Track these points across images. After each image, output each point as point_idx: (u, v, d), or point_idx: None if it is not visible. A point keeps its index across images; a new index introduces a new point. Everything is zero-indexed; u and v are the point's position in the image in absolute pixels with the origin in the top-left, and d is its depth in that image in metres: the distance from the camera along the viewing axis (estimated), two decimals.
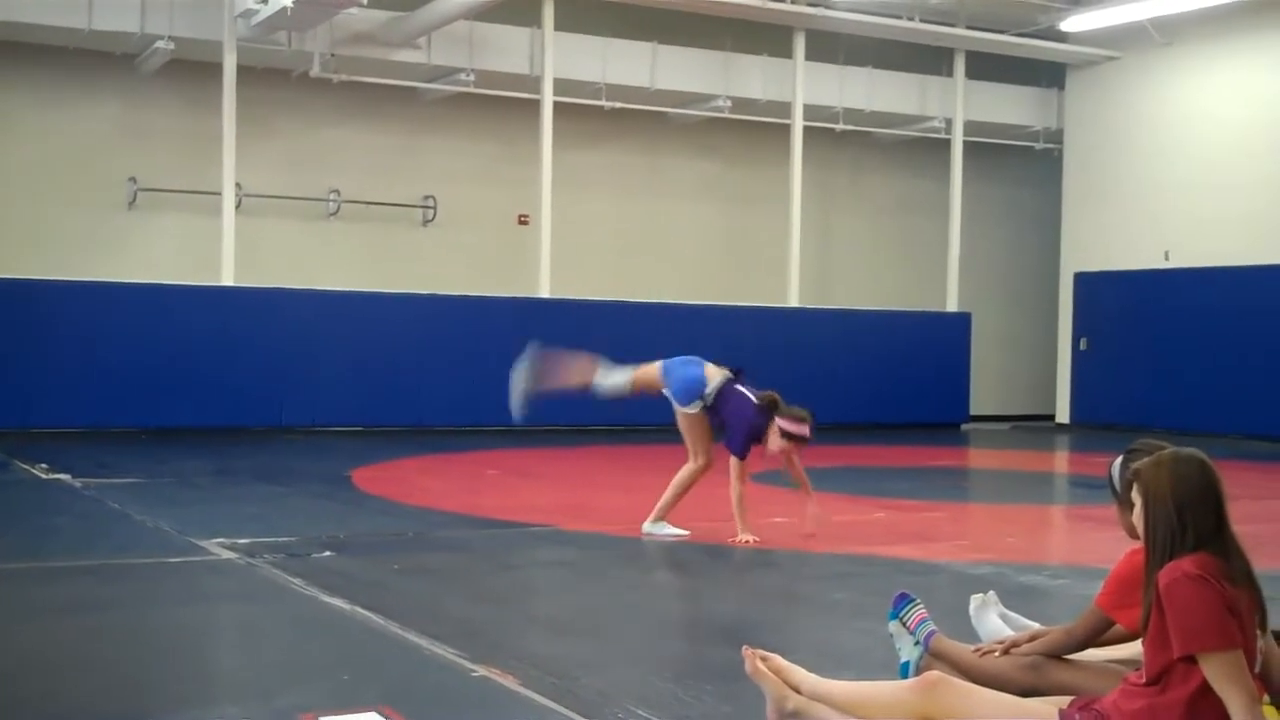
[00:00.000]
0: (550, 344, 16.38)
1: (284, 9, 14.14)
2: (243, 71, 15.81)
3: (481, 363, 16.29)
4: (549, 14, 16.96)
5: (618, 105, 18.30)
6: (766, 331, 18.07)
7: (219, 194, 15.72)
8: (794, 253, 18.62)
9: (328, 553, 7.29)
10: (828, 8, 17.97)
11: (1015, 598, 5.33)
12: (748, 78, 18.77)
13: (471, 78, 17.09)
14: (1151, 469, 3.49)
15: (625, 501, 10.15)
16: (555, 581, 7.36)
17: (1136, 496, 3.54)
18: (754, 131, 19.53)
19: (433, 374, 16.23)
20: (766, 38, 18.70)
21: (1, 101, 16.05)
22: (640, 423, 16.78)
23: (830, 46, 19.08)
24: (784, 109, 18.84)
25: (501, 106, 17.86)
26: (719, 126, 19.46)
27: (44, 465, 11.11)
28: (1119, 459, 3.99)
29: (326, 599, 6.04)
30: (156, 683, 4.69)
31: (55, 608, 5.95)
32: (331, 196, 17.68)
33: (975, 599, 4.90)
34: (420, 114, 18.06)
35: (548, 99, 17.02)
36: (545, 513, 9.38)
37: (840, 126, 19.74)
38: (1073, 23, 18.71)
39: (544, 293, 16.94)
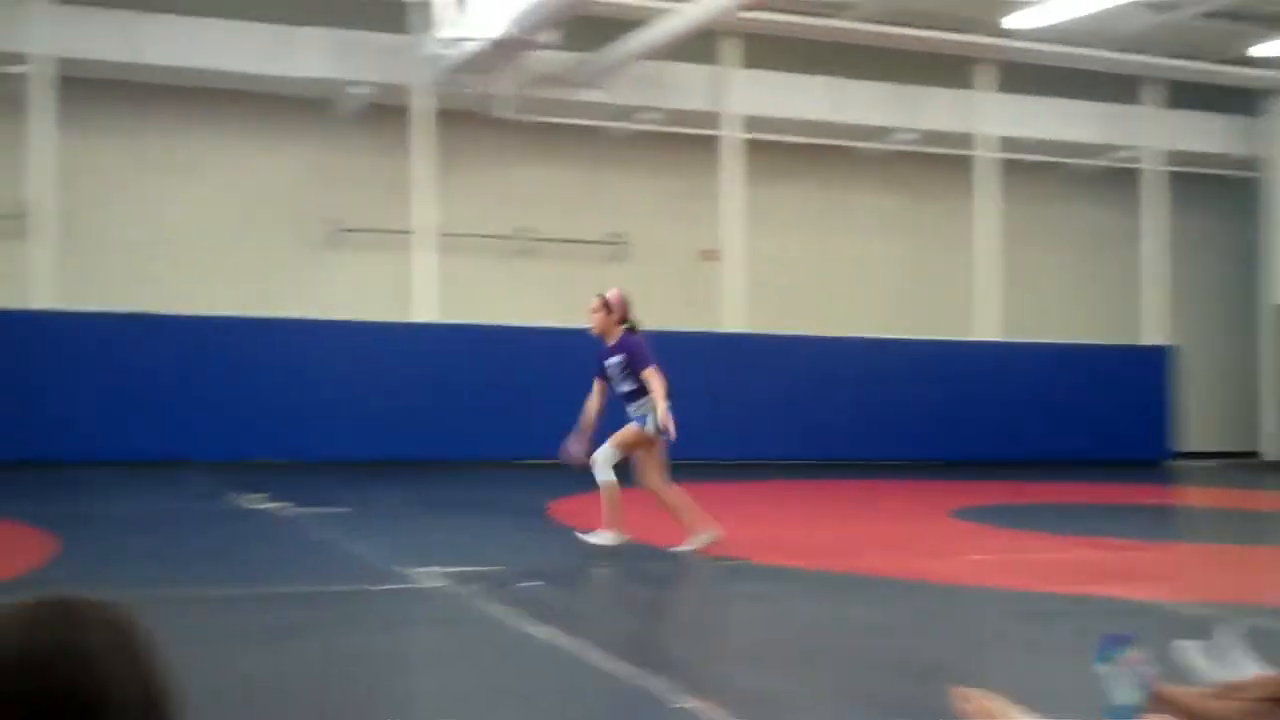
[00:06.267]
0: (737, 379, 16.53)
1: (475, 52, 14.49)
2: (438, 114, 16.22)
3: (672, 397, 16.37)
4: (732, 52, 17.05)
5: (801, 140, 18.30)
6: (954, 366, 17.83)
7: (413, 233, 16.13)
8: (982, 287, 18.35)
9: (532, 582, 7.39)
10: (1015, 38, 17.73)
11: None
12: (933, 110, 18.62)
13: (657, 115, 17.26)
14: None
15: (816, 535, 10.10)
16: (753, 615, 7.34)
17: None
18: (940, 164, 19.34)
19: (622, 409, 16.30)
20: (952, 69, 18.53)
21: (206, 146, 16.71)
22: (829, 458, 16.72)
23: (1017, 77, 18.81)
24: (970, 141, 18.62)
25: (687, 143, 18.00)
26: (904, 160, 19.32)
27: (257, 495, 11.49)
28: None
29: (532, 628, 6.12)
30: (362, 707, 4.80)
31: (270, 633, 6.13)
32: (522, 234, 17.99)
33: (1188, 643, 4.75)
34: (607, 152, 18.28)
35: (731, 136, 17.09)
36: (740, 546, 9.36)
37: (1028, 157, 19.42)
38: (1264, 48, 18.10)
39: (731, 328, 16.97)
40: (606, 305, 8.81)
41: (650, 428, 8.62)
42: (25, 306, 14.79)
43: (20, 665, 1.24)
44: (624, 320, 8.86)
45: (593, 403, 9.06)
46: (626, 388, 8.78)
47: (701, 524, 8.75)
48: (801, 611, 7.23)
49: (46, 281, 15.03)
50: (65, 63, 15.04)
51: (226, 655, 5.60)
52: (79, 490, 12.26)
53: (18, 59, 14.93)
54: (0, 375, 14.22)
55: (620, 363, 8.75)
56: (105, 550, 8.32)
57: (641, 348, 8.79)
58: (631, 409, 8.77)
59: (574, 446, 8.95)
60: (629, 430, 8.68)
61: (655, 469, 8.80)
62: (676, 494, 8.85)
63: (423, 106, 16.13)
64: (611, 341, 8.82)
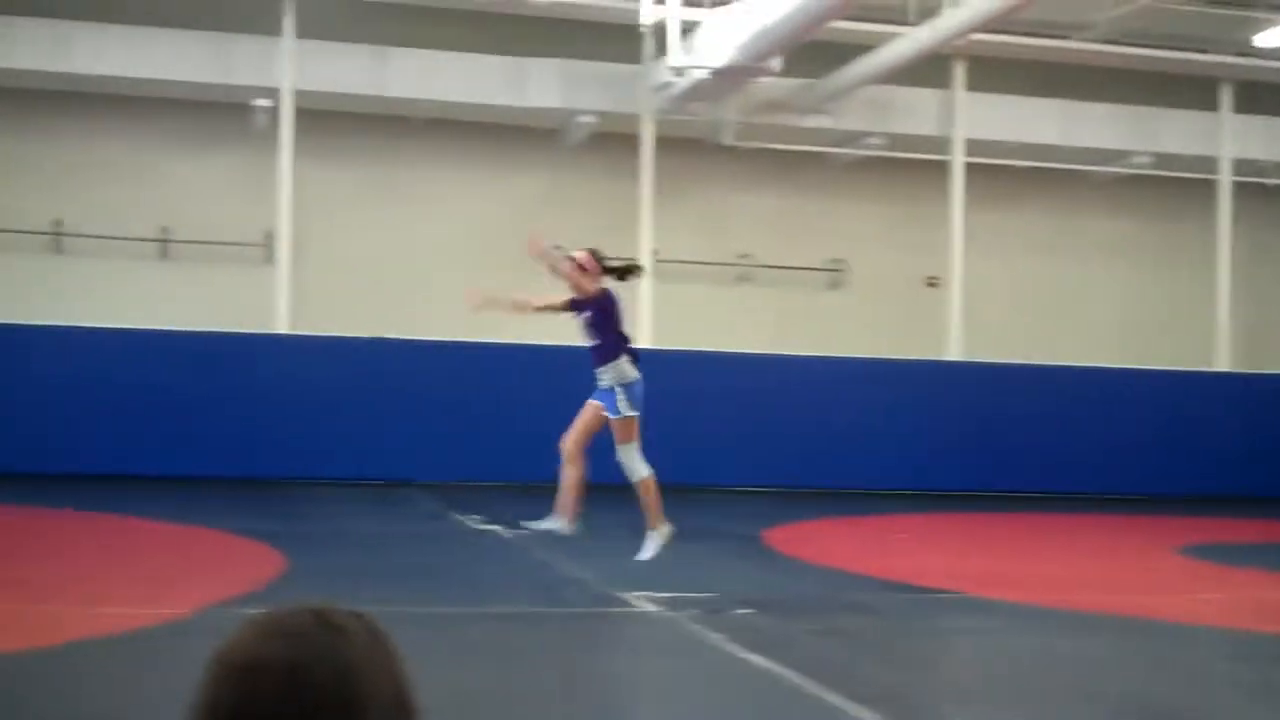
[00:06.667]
0: (959, 410, 16.28)
1: (701, 81, 14.63)
2: (659, 141, 16.43)
3: (891, 427, 16.22)
4: (960, 75, 16.85)
5: (1030, 164, 17.94)
6: (1185, 397, 17.22)
7: (640, 261, 16.31)
8: (1222, 315, 17.68)
9: (746, 610, 7.41)
10: (1257, 57, 17.05)
11: None
12: (1169, 132, 18.03)
13: (881, 141, 17.15)
14: None
15: (1036, 569, 9.87)
16: (970, 649, 7.23)
17: None
18: (1174, 188, 18.70)
19: (839, 436, 16.23)
20: (1189, 90, 17.92)
21: (439, 175, 17.25)
22: (1050, 490, 16.30)
23: (1260, 96, 18.08)
24: (1208, 164, 17.98)
25: (911, 169, 17.82)
26: (1136, 184, 18.75)
27: (476, 516, 11.78)
28: None
29: (746, 656, 6.14)
30: None
31: (492, 652, 6.29)
32: (742, 261, 18.05)
33: None
34: (829, 178, 18.23)
35: (959, 160, 16.87)
36: (956, 578, 9.22)
37: (1273, 181, 18.62)
38: None
39: (954, 356, 16.72)
40: (581, 268, 8.99)
41: (623, 406, 8.90)
42: (271, 330, 15.49)
43: (287, 673, 1.28)
44: (605, 273, 9.10)
45: (534, 299, 9.64)
46: (591, 342, 9.04)
47: (568, 514, 9.16)
48: (1020, 647, 7.08)
49: (283, 306, 15.72)
50: (303, 95, 15.70)
51: (450, 672, 5.77)
52: (304, 508, 12.73)
53: (269, 93, 15.67)
54: (236, 395, 14.85)
55: (589, 319, 9.00)
56: (331, 567, 8.61)
57: (611, 308, 9.03)
58: (598, 375, 9.04)
59: (474, 294, 9.79)
60: (616, 426, 8.95)
61: (585, 437, 9.15)
62: (578, 474, 9.18)
63: (650, 134, 16.36)
64: (587, 298, 9.04)
